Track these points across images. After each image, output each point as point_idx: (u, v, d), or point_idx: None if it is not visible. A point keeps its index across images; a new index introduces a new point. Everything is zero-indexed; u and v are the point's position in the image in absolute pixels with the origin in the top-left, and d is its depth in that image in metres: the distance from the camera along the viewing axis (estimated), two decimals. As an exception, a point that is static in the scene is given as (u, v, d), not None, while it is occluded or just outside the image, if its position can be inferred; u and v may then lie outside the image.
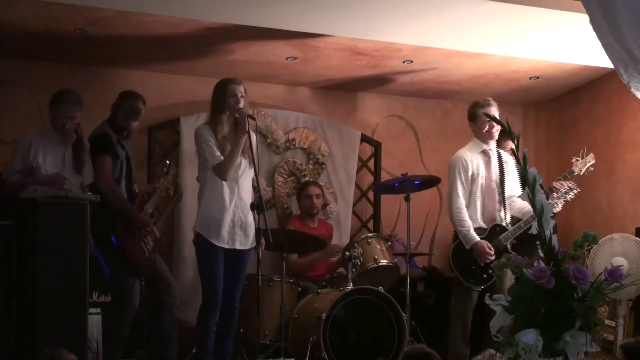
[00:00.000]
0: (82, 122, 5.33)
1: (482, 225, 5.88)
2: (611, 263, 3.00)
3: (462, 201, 5.84)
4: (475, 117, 5.93)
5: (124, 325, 5.27)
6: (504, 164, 5.93)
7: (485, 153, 5.95)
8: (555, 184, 5.86)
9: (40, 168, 4.95)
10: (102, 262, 5.28)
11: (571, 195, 5.87)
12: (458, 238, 5.91)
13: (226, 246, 5.15)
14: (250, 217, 5.22)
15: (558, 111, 7.71)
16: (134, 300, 5.29)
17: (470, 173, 5.87)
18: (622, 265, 5.15)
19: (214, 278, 5.13)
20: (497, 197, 5.89)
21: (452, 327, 5.96)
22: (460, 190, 5.86)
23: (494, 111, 5.79)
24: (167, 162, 5.95)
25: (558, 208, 5.80)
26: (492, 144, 5.95)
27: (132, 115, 5.48)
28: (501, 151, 6.04)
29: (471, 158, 5.91)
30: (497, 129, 5.86)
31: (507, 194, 5.89)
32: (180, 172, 6.46)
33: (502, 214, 5.88)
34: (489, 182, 5.90)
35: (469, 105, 5.91)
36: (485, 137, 5.92)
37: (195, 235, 5.25)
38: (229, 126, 5.18)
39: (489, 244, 5.77)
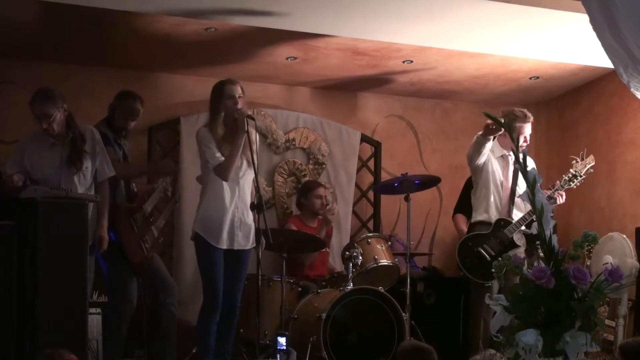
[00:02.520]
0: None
1: (491, 220, 5.89)
2: (611, 263, 3.01)
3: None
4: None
5: (123, 324, 5.28)
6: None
7: (504, 158, 5.97)
8: (556, 194, 5.89)
9: (36, 170, 4.94)
10: (100, 260, 5.28)
11: (576, 182, 5.89)
12: (466, 234, 5.95)
13: (225, 247, 5.15)
14: (249, 218, 5.22)
15: (558, 111, 7.72)
16: (131, 299, 5.30)
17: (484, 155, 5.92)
18: (607, 263, 5.14)
19: (214, 278, 5.13)
20: (508, 201, 5.91)
21: (472, 328, 5.99)
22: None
23: (527, 128, 5.85)
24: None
25: (561, 200, 5.85)
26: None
27: (131, 116, 5.51)
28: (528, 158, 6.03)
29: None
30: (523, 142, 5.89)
31: (517, 197, 5.90)
32: (180, 172, 6.46)
33: (512, 205, 5.89)
34: (506, 187, 5.92)
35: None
36: (508, 146, 5.94)
37: (193, 234, 5.25)
38: (227, 127, 5.19)
39: None
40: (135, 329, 5.46)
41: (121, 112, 5.48)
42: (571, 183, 5.88)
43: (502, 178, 5.94)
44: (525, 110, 6.01)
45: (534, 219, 5.36)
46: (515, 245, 5.71)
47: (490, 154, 5.96)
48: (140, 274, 5.36)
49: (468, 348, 6.01)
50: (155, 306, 5.44)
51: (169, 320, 5.45)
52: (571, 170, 5.90)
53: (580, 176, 5.89)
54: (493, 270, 5.80)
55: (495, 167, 5.96)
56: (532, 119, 5.97)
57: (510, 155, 5.93)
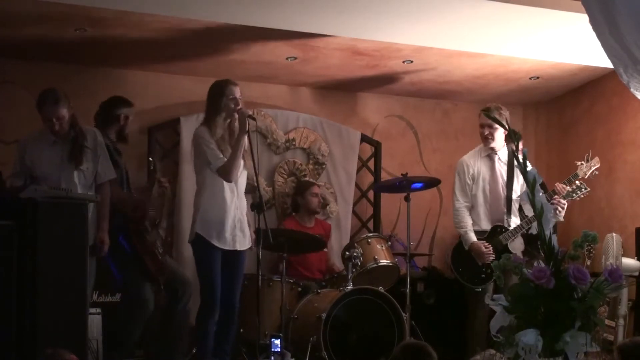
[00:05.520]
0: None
1: (486, 228, 5.89)
2: (610, 263, 3.01)
3: (460, 203, 5.91)
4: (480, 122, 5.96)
5: (137, 330, 5.28)
6: (515, 168, 5.89)
7: (489, 157, 5.95)
8: (558, 186, 5.84)
9: (36, 167, 4.95)
10: (115, 270, 5.29)
11: (579, 194, 5.83)
12: (459, 239, 5.95)
13: (227, 247, 5.15)
14: (246, 217, 5.25)
15: (558, 111, 7.71)
16: (149, 306, 5.29)
17: (470, 177, 5.91)
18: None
19: (212, 278, 5.14)
20: (503, 201, 5.90)
21: (468, 328, 6.00)
22: (459, 193, 5.94)
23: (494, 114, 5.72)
24: (150, 159, 5.97)
25: (561, 217, 5.73)
26: (502, 149, 5.93)
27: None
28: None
29: (472, 162, 5.96)
30: (488, 133, 5.85)
31: (515, 197, 5.89)
32: (180, 172, 6.47)
33: (508, 217, 5.88)
34: (493, 186, 5.91)
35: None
36: (483, 143, 5.94)
37: (194, 236, 5.24)
38: (226, 128, 5.20)
39: (485, 244, 5.78)
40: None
41: (129, 120, 5.50)
42: (574, 195, 5.81)
43: (489, 180, 5.91)
44: (491, 104, 5.98)
45: (530, 233, 5.34)
46: (508, 252, 5.69)
47: (479, 162, 5.94)
48: (157, 278, 5.36)
49: (468, 348, 6.01)
50: (172, 305, 5.43)
51: (182, 319, 5.45)
52: (576, 182, 5.84)
53: (585, 189, 5.82)
54: (483, 275, 5.87)
55: (484, 175, 5.93)
56: (493, 112, 5.80)
57: (497, 154, 5.94)
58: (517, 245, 5.84)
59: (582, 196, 5.86)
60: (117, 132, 5.49)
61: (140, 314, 5.26)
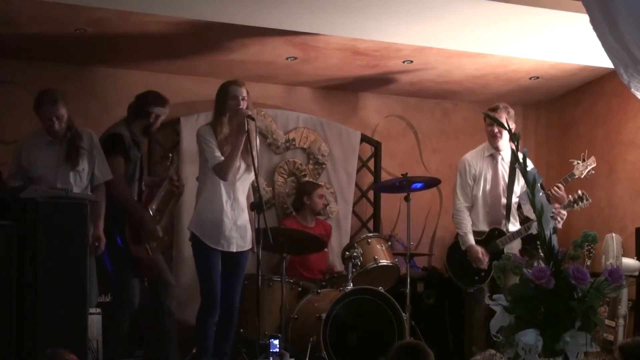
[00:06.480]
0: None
1: (484, 229, 5.89)
2: (610, 263, 3.01)
3: (461, 203, 5.91)
4: (485, 121, 5.95)
5: (124, 324, 5.27)
6: (517, 169, 5.87)
7: (493, 157, 5.94)
8: (553, 190, 5.79)
9: (32, 168, 4.96)
10: (107, 262, 5.28)
11: (581, 205, 5.80)
12: (455, 239, 5.96)
13: (221, 249, 5.15)
14: (244, 219, 5.24)
15: (558, 111, 7.71)
16: (134, 300, 5.30)
17: (471, 177, 5.90)
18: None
19: (211, 278, 5.14)
20: (502, 202, 5.88)
21: (465, 329, 6.00)
22: (459, 192, 5.94)
23: (500, 116, 5.71)
24: (170, 154, 5.97)
25: (559, 224, 5.65)
26: (506, 149, 5.92)
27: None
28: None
29: (475, 162, 5.94)
30: (497, 132, 5.85)
31: (515, 199, 5.87)
32: (180, 172, 6.45)
33: (506, 220, 5.87)
34: (494, 187, 5.90)
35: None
36: (490, 141, 5.93)
37: (190, 235, 5.25)
38: (230, 128, 5.19)
39: (483, 250, 5.77)
40: (136, 329, 5.46)
41: (159, 117, 5.51)
42: (575, 206, 5.78)
43: (490, 180, 5.91)
44: (499, 103, 5.97)
45: (530, 233, 5.34)
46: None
47: (482, 161, 5.94)
48: (146, 275, 5.36)
49: (465, 348, 6.02)
50: (158, 306, 5.44)
51: (169, 320, 5.45)
52: (579, 191, 5.80)
53: (587, 199, 5.78)
54: (477, 277, 5.89)
55: (486, 175, 5.92)
56: (501, 110, 5.83)
57: (500, 154, 5.94)
58: (514, 246, 5.83)
59: (584, 207, 5.83)
60: (144, 127, 5.48)
61: (126, 308, 5.26)
